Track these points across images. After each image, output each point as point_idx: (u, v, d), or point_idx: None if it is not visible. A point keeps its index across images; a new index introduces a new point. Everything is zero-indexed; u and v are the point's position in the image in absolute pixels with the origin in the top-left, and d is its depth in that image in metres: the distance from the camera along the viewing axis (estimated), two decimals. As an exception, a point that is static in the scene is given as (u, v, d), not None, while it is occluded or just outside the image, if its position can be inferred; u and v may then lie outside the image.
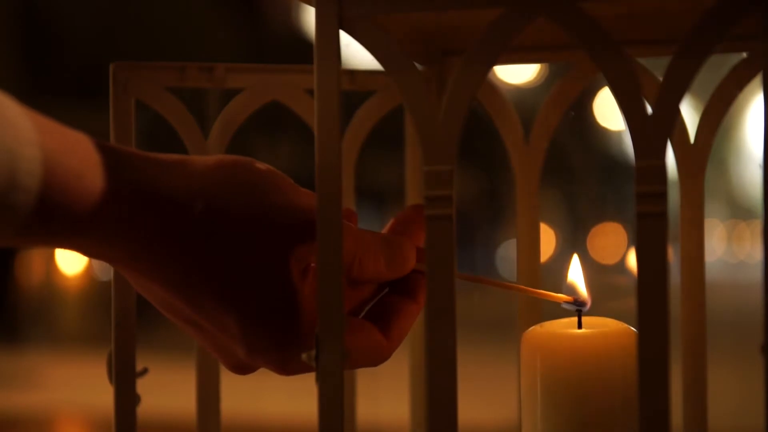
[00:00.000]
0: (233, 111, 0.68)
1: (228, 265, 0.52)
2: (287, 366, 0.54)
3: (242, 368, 0.56)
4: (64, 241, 0.50)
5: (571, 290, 0.62)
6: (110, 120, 0.65)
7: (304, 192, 0.55)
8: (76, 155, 0.48)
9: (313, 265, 0.54)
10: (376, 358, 0.55)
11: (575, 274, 0.62)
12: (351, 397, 0.73)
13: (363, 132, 0.73)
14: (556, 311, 0.63)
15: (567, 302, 0.61)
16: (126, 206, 0.50)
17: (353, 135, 0.72)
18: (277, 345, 0.53)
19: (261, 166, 0.54)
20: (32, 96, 3.17)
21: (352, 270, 0.55)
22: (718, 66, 0.60)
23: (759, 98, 0.48)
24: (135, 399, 0.64)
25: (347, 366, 0.50)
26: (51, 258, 3.81)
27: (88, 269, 3.80)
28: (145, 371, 0.65)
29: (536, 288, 0.67)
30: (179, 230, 0.51)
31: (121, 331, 0.64)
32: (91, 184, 0.49)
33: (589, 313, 0.61)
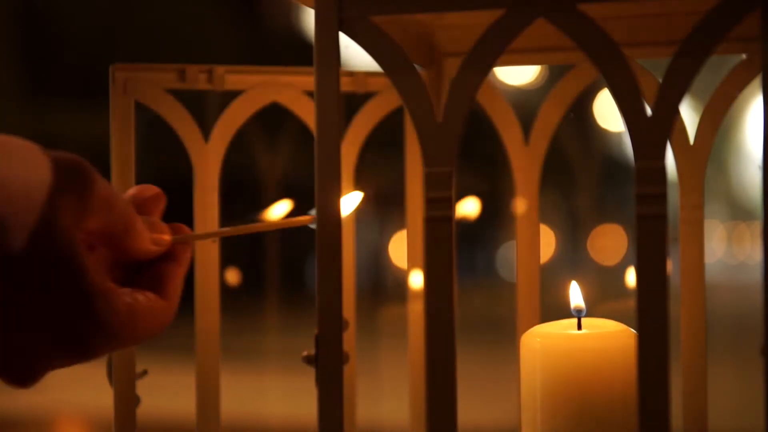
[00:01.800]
0: (233, 113, 0.68)
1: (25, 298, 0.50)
2: (95, 353, 0.53)
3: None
4: None
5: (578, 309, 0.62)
6: (110, 121, 0.65)
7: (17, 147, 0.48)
8: None
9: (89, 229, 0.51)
10: (164, 320, 0.54)
11: (576, 297, 0.62)
12: (351, 397, 0.73)
13: (363, 133, 0.73)
14: (556, 312, 0.63)
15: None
16: None
17: (353, 136, 0.72)
18: (82, 338, 0.52)
19: None
20: (32, 96, 3.16)
21: (126, 241, 0.53)
22: (717, 67, 0.60)
23: (759, 99, 0.48)
24: (135, 400, 0.64)
25: (139, 340, 0.50)
26: (51, 259, 3.80)
27: (88, 270, 3.79)
28: (144, 373, 0.65)
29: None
30: None
31: (121, 331, 0.64)
32: None
33: (589, 315, 0.61)
